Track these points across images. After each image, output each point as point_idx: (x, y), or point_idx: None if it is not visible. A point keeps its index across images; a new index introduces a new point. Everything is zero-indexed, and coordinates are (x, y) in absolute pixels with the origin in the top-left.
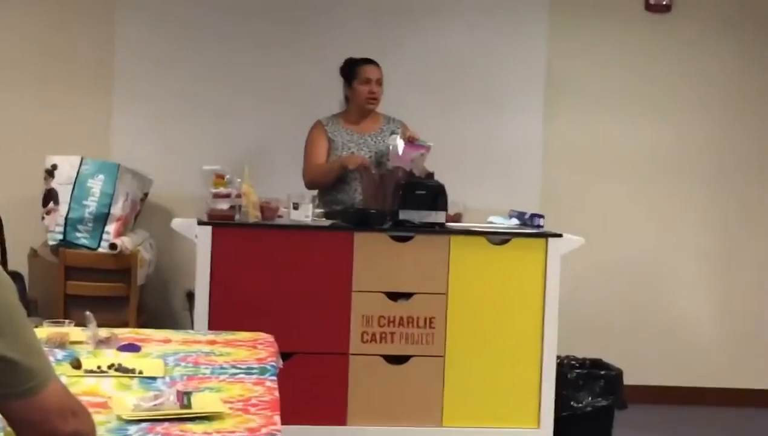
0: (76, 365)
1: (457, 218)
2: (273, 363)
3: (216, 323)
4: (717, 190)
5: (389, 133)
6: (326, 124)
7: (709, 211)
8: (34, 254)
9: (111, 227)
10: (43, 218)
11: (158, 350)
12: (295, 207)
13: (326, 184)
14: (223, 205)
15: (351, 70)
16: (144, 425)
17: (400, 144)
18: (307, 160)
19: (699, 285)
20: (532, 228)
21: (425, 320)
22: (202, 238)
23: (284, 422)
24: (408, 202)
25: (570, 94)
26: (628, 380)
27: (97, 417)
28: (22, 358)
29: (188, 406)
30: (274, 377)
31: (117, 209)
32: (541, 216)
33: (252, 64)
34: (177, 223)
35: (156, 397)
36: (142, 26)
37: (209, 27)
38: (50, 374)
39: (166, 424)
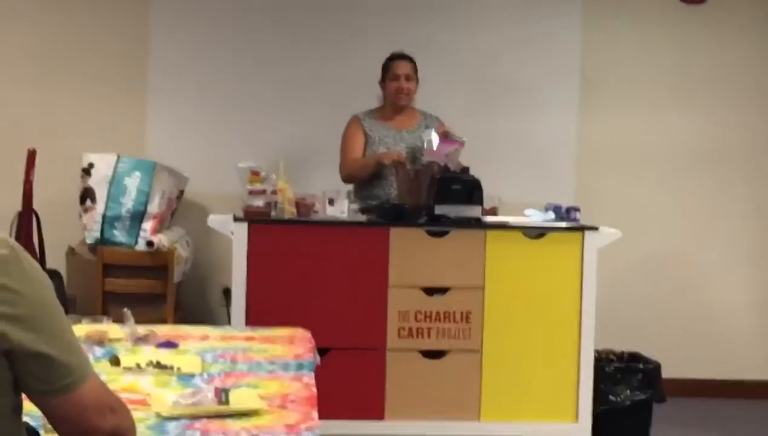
0: (115, 362)
1: (492, 211)
2: (310, 359)
3: (253, 319)
4: (752, 183)
5: (431, 126)
6: (363, 120)
7: (744, 204)
8: (72, 252)
9: (148, 225)
10: (80, 216)
11: (196, 346)
12: (331, 203)
13: (362, 179)
14: (259, 202)
15: (384, 66)
16: (183, 421)
17: (435, 139)
18: (343, 154)
19: (736, 277)
20: (568, 221)
21: (462, 314)
22: (239, 234)
23: (322, 417)
24: (443, 196)
25: (604, 86)
26: (666, 373)
27: (136, 414)
28: (59, 354)
29: (226, 402)
30: (312, 373)
31: (153, 207)
32: (577, 209)
33: (286, 61)
34: (213, 220)
35: (194, 394)
36: (176, 24)
37: (243, 24)
38: (88, 370)
39: (205, 421)
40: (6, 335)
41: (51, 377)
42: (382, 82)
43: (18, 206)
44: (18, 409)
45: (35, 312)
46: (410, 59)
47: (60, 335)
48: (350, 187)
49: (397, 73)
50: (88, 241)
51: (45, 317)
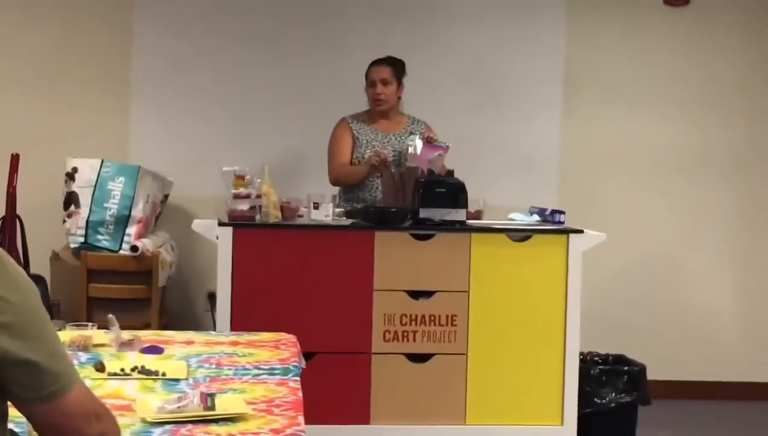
0: (100, 367)
1: (477, 215)
2: (296, 363)
3: (238, 323)
4: (737, 186)
5: (415, 132)
6: (351, 122)
7: (729, 207)
8: (55, 257)
9: (132, 229)
10: (64, 221)
11: (181, 351)
12: (316, 207)
13: (351, 181)
14: (244, 206)
15: (366, 73)
16: (168, 427)
17: (419, 144)
18: (331, 158)
19: (720, 280)
20: (553, 224)
21: (447, 317)
22: (223, 239)
23: (308, 422)
24: (428, 200)
25: (588, 90)
26: (651, 375)
27: (122, 420)
28: (45, 361)
29: (212, 407)
30: (297, 378)
31: (138, 211)
32: (561, 212)
33: (270, 65)
34: (198, 224)
35: (180, 399)
36: (159, 28)
37: (227, 28)
38: (74, 377)
39: (190, 426)
40: None
41: (37, 385)
42: (366, 89)
43: (1, 211)
44: (3, 416)
45: (21, 319)
46: (390, 63)
47: (46, 342)
48: (335, 190)
49: (373, 78)
50: (72, 246)
51: (31, 324)
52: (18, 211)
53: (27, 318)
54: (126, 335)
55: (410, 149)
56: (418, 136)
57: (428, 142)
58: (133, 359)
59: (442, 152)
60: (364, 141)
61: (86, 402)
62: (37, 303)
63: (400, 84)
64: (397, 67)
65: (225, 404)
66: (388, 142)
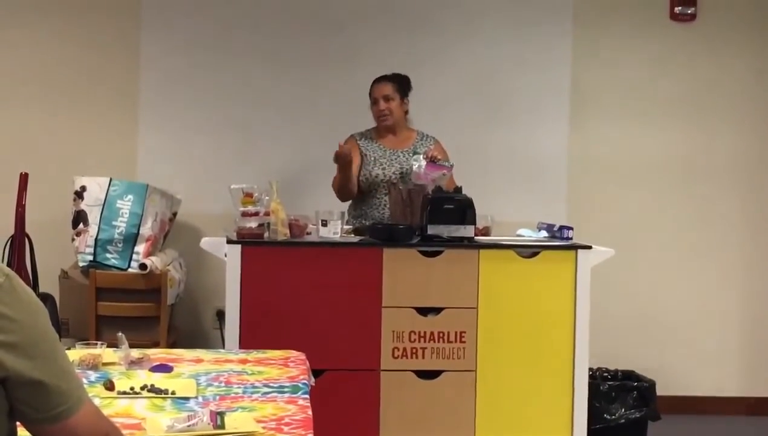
0: (109, 386)
1: (485, 231)
2: (305, 381)
3: (247, 341)
4: (745, 198)
5: (421, 149)
6: (359, 139)
7: (737, 219)
8: (64, 276)
9: (140, 247)
10: (73, 240)
11: (190, 369)
12: (324, 224)
13: (346, 190)
14: (252, 224)
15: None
16: None
17: (422, 164)
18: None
19: (730, 293)
20: (561, 240)
21: (456, 334)
22: (232, 256)
23: None
24: (436, 216)
25: (595, 104)
26: (661, 391)
27: None
28: (54, 381)
29: (222, 426)
30: (307, 395)
31: (146, 229)
32: (570, 228)
33: (277, 82)
34: (206, 242)
35: (189, 417)
36: (167, 47)
37: (233, 46)
38: (83, 397)
39: None
40: (2, 362)
41: (46, 405)
42: (370, 107)
43: (11, 230)
44: None
45: (31, 340)
46: (391, 79)
47: (55, 362)
48: (344, 207)
49: (374, 96)
50: (81, 264)
51: (40, 345)
52: (27, 230)
53: (35, 338)
54: (135, 353)
55: (414, 168)
56: (422, 156)
57: (432, 161)
58: (143, 377)
59: (446, 172)
60: (372, 158)
61: (95, 422)
62: (46, 323)
63: (404, 99)
64: (399, 82)
65: (235, 422)
66: (395, 158)
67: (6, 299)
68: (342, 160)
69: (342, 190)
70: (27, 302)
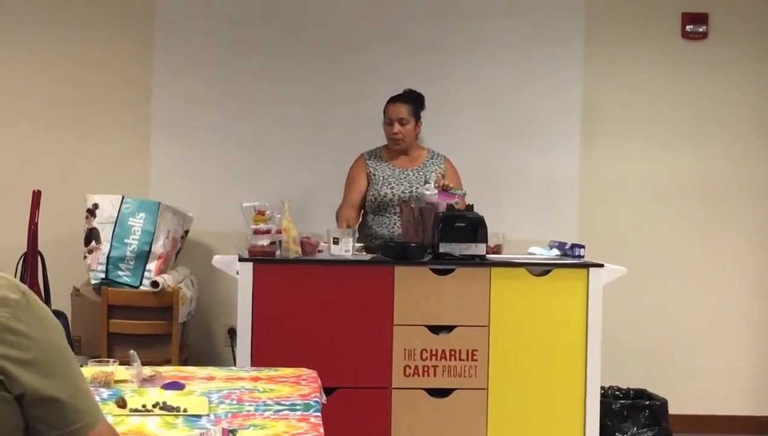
0: (122, 404)
1: (497, 249)
2: (317, 399)
3: (258, 359)
4: (758, 216)
5: (431, 168)
6: (368, 159)
7: (750, 238)
8: (76, 293)
9: (152, 265)
10: (85, 257)
11: (202, 387)
12: (335, 242)
13: (352, 223)
14: (264, 242)
15: (384, 109)
16: None
17: (434, 193)
18: (344, 195)
19: (742, 312)
20: (573, 258)
21: (467, 352)
22: (244, 274)
23: None
24: (448, 234)
25: (606, 123)
26: (673, 409)
27: None
28: (69, 399)
29: None
30: (319, 413)
31: (158, 247)
32: (581, 246)
33: (290, 102)
34: (218, 260)
35: (202, 435)
36: (179, 64)
37: (245, 65)
38: (98, 416)
39: None
40: (19, 379)
41: (62, 422)
42: (383, 125)
43: (23, 248)
44: None
45: (47, 357)
46: (408, 100)
47: (71, 380)
48: (355, 226)
49: (390, 117)
50: (93, 282)
51: (56, 362)
52: (39, 248)
53: (52, 356)
54: (147, 370)
55: (427, 194)
56: (433, 183)
57: (444, 190)
58: (155, 395)
59: (458, 200)
60: (381, 178)
61: None
62: (62, 341)
63: (418, 121)
64: (415, 103)
65: None
66: (405, 178)
67: (23, 317)
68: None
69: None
70: (44, 319)
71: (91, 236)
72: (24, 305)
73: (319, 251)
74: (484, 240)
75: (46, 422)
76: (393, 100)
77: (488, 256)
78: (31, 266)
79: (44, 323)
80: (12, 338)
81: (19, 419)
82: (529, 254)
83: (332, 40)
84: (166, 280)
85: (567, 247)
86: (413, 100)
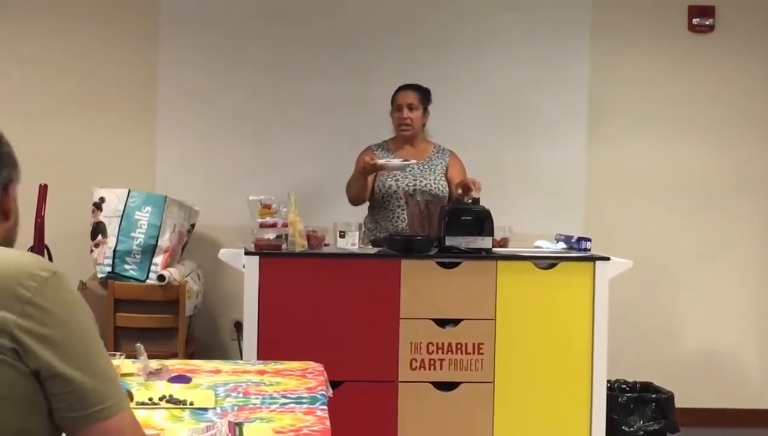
0: (128, 397)
1: (503, 243)
2: (323, 392)
3: (265, 352)
4: (764, 210)
5: (437, 162)
6: (375, 150)
7: (755, 232)
8: (83, 287)
9: (159, 259)
10: (91, 251)
11: (208, 380)
12: (342, 235)
13: (359, 198)
14: (270, 235)
15: (392, 98)
16: None
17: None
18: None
19: (748, 305)
20: (579, 252)
21: (474, 345)
22: (250, 268)
23: None
24: (454, 228)
25: (613, 117)
26: (680, 403)
27: None
28: (87, 380)
29: None
30: (325, 406)
31: (164, 241)
32: (588, 239)
33: (295, 96)
34: (224, 253)
35: (208, 428)
36: (185, 58)
37: (250, 58)
38: (121, 402)
39: None
40: (36, 353)
41: (79, 404)
42: (391, 114)
43: (30, 241)
44: None
45: (67, 336)
46: (417, 89)
47: (92, 361)
48: (361, 219)
49: (399, 103)
50: (100, 275)
51: (78, 342)
52: (46, 241)
53: (73, 336)
54: (154, 364)
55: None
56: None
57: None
58: (161, 388)
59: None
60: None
61: (134, 431)
62: (89, 324)
63: (425, 111)
64: (423, 93)
65: (253, 433)
66: (410, 171)
67: (48, 294)
68: (368, 171)
69: (356, 196)
70: (71, 300)
71: (98, 229)
72: (52, 284)
73: (326, 245)
74: (491, 233)
75: (65, 401)
76: (403, 87)
77: (494, 249)
78: None
79: (71, 303)
80: (33, 312)
81: (40, 398)
82: (536, 247)
83: (338, 35)
84: (173, 273)
85: (573, 240)
86: (421, 89)
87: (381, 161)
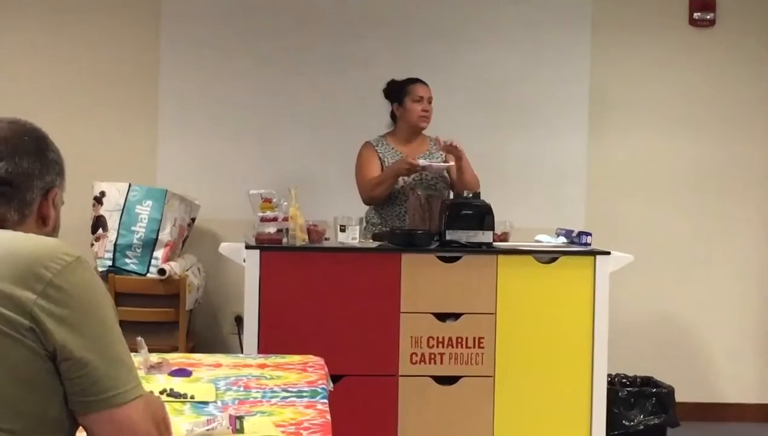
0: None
1: (504, 237)
2: (323, 386)
3: (265, 346)
4: (764, 204)
5: (437, 156)
6: (376, 145)
7: (756, 226)
8: None
9: (159, 253)
10: (92, 245)
11: (209, 374)
12: (342, 229)
13: (382, 197)
14: (271, 229)
15: (400, 89)
16: None
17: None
18: (361, 178)
19: (750, 302)
20: (579, 246)
21: (474, 340)
22: (250, 262)
23: None
24: (454, 222)
25: (614, 110)
26: (680, 397)
27: None
28: (102, 365)
29: (241, 430)
30: (325, 400)
31: (165, 235)
32: (588, 234)
33: (296, 89)
34: (225, 247)
35: (209, 422)
36: (186, 52)
37: (252, 52)
38: (137, 389)
39: None
40: (53, 334)
41: (94, 388)
42: (399, 105)
43: None
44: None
45: (84, 319)
46: (427, 84)
47: (108, 346)
48: (362, 213)
49: (421, 95)
50: (100, 269)
51: (95, 326)
52: None
53: (90, 319)
54: (154, 357)
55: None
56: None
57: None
58: (162, 381)
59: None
60: (389, 163)
61: (147, 418)
62: (107, 309)
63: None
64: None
65: (254, 426)
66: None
67: (69, 277)
68: (411, 173)
69: (380, 196)
70: (92, 285)
71: (98, 223)
72: (74, 267)
73: (326, 239)
74: (491, 228)
75: (78, 385)
76: (419, 81)
77: (495, 243)
78: None
79: (91, 288)
80: (53, 293)
81: (56, 381)
82: (536, 241)
83: (339, 28)
84: (173, 267)
85: (574, 234)
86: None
87: (423, 162)
